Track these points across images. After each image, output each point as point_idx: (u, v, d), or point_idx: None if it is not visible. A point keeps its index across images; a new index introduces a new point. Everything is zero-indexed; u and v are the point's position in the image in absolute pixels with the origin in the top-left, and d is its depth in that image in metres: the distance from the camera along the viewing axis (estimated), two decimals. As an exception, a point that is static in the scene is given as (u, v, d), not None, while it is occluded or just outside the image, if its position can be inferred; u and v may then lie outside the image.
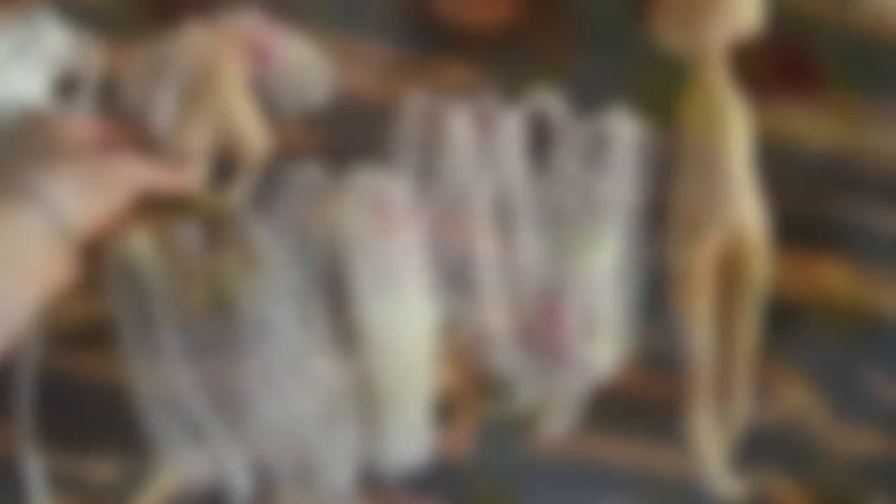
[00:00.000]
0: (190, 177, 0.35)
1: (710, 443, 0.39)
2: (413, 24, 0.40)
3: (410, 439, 0.39)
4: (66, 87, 0.38)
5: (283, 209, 0.37)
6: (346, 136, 0.37)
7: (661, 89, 0.38)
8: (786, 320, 0.39)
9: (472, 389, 0.40)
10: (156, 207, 0.36)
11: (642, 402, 0.41)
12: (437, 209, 0.37)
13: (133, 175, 0.34)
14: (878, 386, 0.39)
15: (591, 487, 0.42)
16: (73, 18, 0.38)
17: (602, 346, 0.39)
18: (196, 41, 0.37)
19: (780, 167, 0.38)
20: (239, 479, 0.39)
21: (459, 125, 0.36)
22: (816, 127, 0.38)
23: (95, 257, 0.31)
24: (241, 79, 0.36)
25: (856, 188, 0.38)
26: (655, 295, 0.39)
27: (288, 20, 0.39)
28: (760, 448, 0.40)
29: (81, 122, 0.34)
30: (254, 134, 0.36)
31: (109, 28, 0.39)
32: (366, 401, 0.38)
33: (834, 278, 0.39)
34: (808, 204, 0.39)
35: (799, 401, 0.40)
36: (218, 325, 0.37)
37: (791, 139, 0.39)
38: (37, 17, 0.37)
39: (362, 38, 0.39)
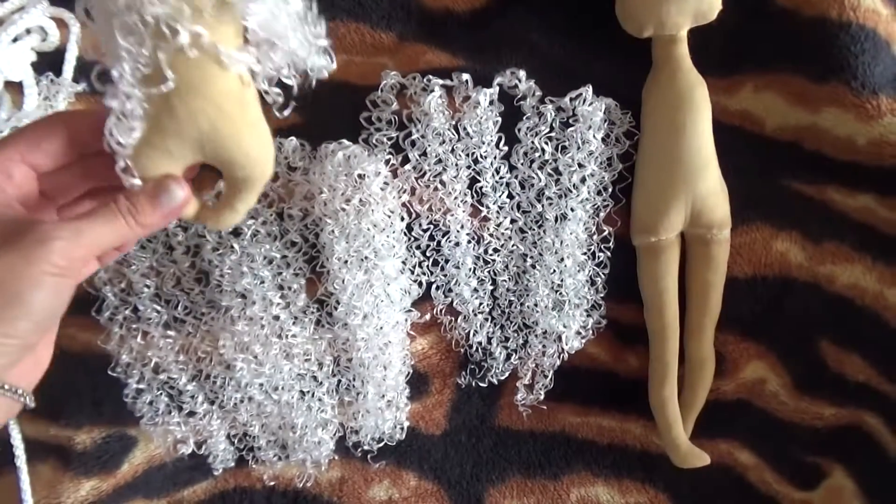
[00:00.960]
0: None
1: (674, 415, 0.40)
2: (392, 8, 0.39)
3: (386, 409, 0.40)
4: (50, 62, 0.37)
5: None
6: (326, 112, 0.37)
7: (626, 70, 0.39)
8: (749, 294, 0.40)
9: (446, 360, 0.41)
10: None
11: (609, 374, 0.43)
12: (413, 184, 0.38)
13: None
14: (833, 359, 0.40)
15: (560, 458, 0.43)
16: None
17: (571, 319, 0.40)
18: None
19: (740, 145, 0.39)
20: (220, 446, 0.39)
21: (434, 103, 0.36)
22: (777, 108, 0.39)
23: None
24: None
25: (811, 167, 0.39)
26: (622, 269, 0.40)
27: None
28: (722, 419, 0.42)
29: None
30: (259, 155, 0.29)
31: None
32: (342, 370, 0.39)
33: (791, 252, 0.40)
34: (766, 181, 0.40)
35: (760, 373, 0.41)
36: (198, 295, 0.37)
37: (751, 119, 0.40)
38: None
39: (344, 21, 0.39)
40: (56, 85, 0.36)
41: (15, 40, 0.35)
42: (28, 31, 0.36)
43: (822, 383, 0.40)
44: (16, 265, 0.25)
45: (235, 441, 0.40)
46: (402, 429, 0.41)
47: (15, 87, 0.36)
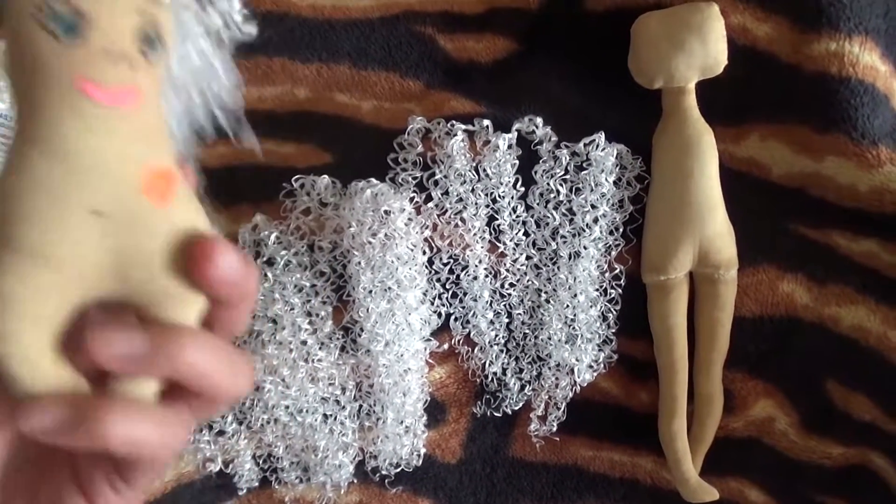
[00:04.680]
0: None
1: (684, 450, 0.41)
2: (421, 59, 0.42)
3: (404, 434, 0.42)
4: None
5: (295, 216, 0.39)
6: (356, 152, 0.40)
7: (637, 118, 0.41)
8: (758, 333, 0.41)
9: (462, 389, 0.43)
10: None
11: (621, 408, 0.44)
12: (435, 221, 0.40)
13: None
14: (839, 398, 0.41)
15: (572, 490, 0.44)
16: None
17: (583, 353, 0.42)
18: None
19: (747, 190, 0.41)
20: (246, 466, 0.41)
21: (457, 146, 0.39)
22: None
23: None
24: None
25: (816, 212, 0.40)
26: (633, 305, 0.42)
27: (312, 57, 0.42)
28: (732, 456, 0.42)
29: None
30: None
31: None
32: (364, 395, 0.41)
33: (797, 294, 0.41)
34: (773, 224, 0.41)
35: (768, 411, 0.42)
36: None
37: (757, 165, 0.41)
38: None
39: (376, 71, 0.42)
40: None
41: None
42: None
43: (829, 423, 0.41)
44: None
45: (260, 462, 0.42)
46: (418, 455, 0.42)
47: None
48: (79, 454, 0.22)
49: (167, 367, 0.20)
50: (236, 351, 0.22)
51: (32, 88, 0.19)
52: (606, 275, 0.41)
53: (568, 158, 0.40)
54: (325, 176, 0.39)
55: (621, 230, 0.41)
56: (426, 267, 0.40)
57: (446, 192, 0.40)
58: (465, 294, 0.41)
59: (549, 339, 0.42)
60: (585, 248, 0.41)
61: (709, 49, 0.38)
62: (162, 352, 0.20)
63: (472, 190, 0.40)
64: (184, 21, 0.22)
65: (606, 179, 0.40)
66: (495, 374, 0.42)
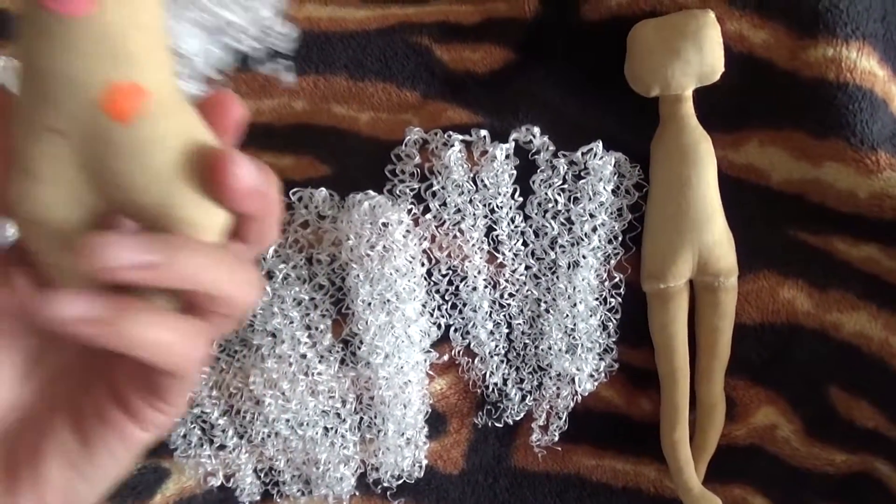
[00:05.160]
0: None
1: (686, 458, 0.41)
2: (417, 70, 0.42)
3: (405, 446, 0.41)
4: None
5: (293, 229, 0.39)
6: (353, 164, 0.40)
7: (634, 126, 0.41)
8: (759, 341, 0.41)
9: (463, 400, 0.42)
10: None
11: (623, 417, 0.44)
12: (433, 232, 0.40)
13: None
14: (842, 405, 0.40)
15: (574, 500, 0.44)
16: None
17: (584, 362, 0.42)
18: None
19: (747, 196, 0.41)
20: (247, 480, 0.41)
21: (454, 157, 0.39)
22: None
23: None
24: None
25: (816, 218, 0.40)
26: (633, 314, 0.41)
27: (308, 69, 0.42)
28: (735, 464, 0.42)
29: None
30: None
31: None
32: (365, 408, 0.41)
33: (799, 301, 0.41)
34: (773, 231, 0.41)
35: (770, 418, 0.42)
36: (232, 334, 0.40)
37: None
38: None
39: (373, 81, 0.42)
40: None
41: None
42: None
43: (832, 430, 0.41)
44: None
45: (262, 475, 0.42)
46: (420, 467, 0.42)
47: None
48: (114, 371, 0.23)
49: (176, 275, 0.20)
50: (244, 263, 0.23)
51: (22, 16, 0.19)
52: (606, 284, 0.41)
53: (566, 167, 0.40)
54: (323, 188, 0.39)
55: (620, 239, 0.41)
56: (425, 278, 0.40)
57: (444, 204, 0.40)
58: (464, 305, 0.41)
59: (550, 348, 0.41)
60: (584, 257, 0.41)
61: (705, 56, 0.38)
62: (171, 259, 0.20)
63: (470, 201, 0.40)
64: None
65: (605, 188, 0.40)
66: (496, 384, 0.42)
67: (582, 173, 0.40)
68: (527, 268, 0.41)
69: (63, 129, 0.20)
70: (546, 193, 0.40)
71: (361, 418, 0.41)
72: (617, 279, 0.41)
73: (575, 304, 0.41)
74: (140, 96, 0.20)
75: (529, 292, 0.41)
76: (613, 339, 0.42)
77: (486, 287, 0.41)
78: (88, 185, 0.20)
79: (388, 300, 0.38)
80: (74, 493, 0.23)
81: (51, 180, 0.20)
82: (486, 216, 0.40)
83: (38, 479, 0.23)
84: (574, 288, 0.41)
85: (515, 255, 0.41)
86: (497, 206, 0.40)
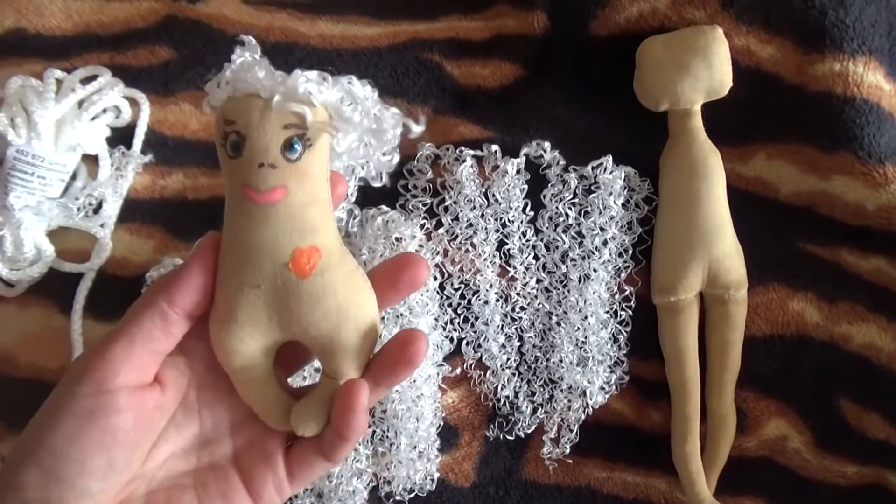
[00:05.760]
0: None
1: (697, 471, 0.41)
2: (428, 86, 0.43)
3: (417, 459, 0.42)
4: (123, 137, 0.41)
5: None
6: (367, 179, 0.40)
7: (644, 141, 0.41)
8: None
9: (475, 413, 0.42)
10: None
11: (633, 429, 0.44)
12: (445, 246, 0.40)
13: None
14: (853, 417, 0.40)
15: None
16: (128, 77, 0.41)
17: (595, 375, 0.42)
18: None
19: (755, 209, 0.41)
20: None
21: (466, 172, 0.40)
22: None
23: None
24: None
25: (824, 230, 0.41)
26: (644, 327, 0.42)
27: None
28: (746, 476, 0.42)
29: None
30: None
31: (158, 85, 0.42)
32: (377, 421, 0.41)
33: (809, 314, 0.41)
34: (781, 243, 0.41)
35: (781, 430, 0.42)
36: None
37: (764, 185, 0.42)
38: (98, 75, 0.40)
39: (384, 98, 0.43)
40: (126, 157, 0.40)
41: (93, 118, 0.39)
42: (104, 110, 0.40)
43: (843, 441, 0.41)
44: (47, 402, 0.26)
45: (274, 488, 0.42)
46: (432, 480, 0.42)
47: (91, 160, 0.41)
48: (257, 464, 0.29)
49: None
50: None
51: (228, 197, 0.26)
52: (616, 297, 0.42)
53: (576, 182, 0.41)
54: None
55: (630, 252, 0.41)
56: (438, 292, 0.40)
57: (456, 218, 0.40)
58: (476, 318, 0.41)
59: (561, 361, 0.42)
60: (595, 270, 0.41)
61: (714, 71, 0.39)
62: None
63: (482, 215, 0.40)
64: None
65: (615, 202, 0.40)
66: (507, 397, 0.42)
67: (592, 187, 0.41)
68: (538, 281, 0.41)
69: (260, 284, 0.26)
70: (557, 207, 0.41)
71: (374, 431, 0.41)
72: (627, 292, 0.42)
73: (586, 317, 0.41)
74: (317, 256, 0.26)
75: (541, 305, 0.42)
76: (624, 352, 0.42)
77: (497, 300, 0.41)
78: (274, 323, 0.26)
79: (402, 314, 0.39)
80: None
81: (248, 322, 0.26)
82: (497, 230, 0.41)
83: None
84: (585, 301, 0.41)
85: (527, 268, 0.41)
86: (508, 221, 0.40)
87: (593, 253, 0.41)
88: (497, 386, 0.42)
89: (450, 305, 0.41)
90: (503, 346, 0.42)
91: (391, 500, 0.42)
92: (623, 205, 0.41)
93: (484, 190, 0.40)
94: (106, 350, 0.25)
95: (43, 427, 0.25)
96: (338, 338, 0.27)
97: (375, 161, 0.28)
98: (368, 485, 0.42)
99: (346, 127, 0.27)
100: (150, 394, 0.27)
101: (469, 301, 0.41)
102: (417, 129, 0.28)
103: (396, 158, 0.29)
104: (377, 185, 0.30)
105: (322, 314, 0.26)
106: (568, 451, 0.43)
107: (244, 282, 0.26)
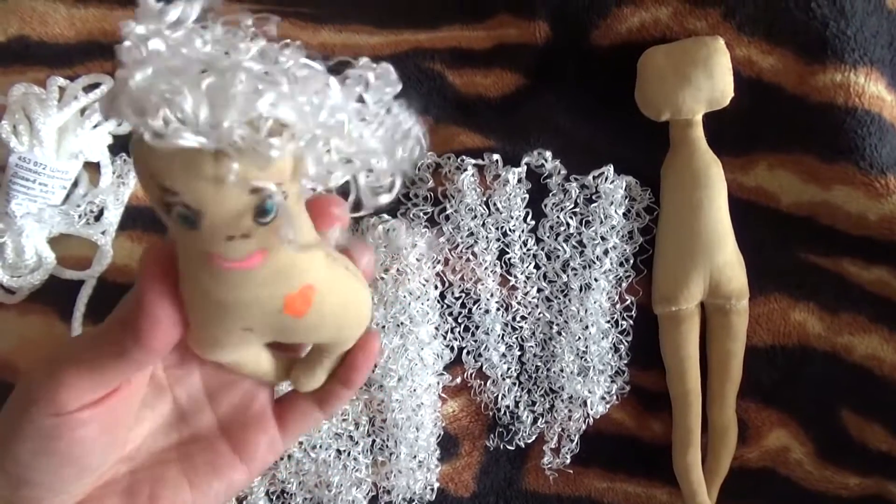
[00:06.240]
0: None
1: (699, 481, 0.41)
2: (430, 94, 0.43)
3: (417, 469, 0.41)
4: (125, 145, 0.41)
5: None
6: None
7: (645, 150, 0.41)
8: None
9: (475, 423, 0.42)
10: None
11: (634, 439, 0.43)
12: (446, 255, 0.40)
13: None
14: (855, 428, 0.40)
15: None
16: None
17: (595, 384, 0.42)
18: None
19: (757, 219, 0.41)
20: (259, 503, 0.41)
21: (467, 181, 0.40)
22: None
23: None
24: None
25: (826, 240, 0.41)
26: (645, 336, 0.42)
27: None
28: (748, 487, 0.42)
29: None
30: None
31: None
32: (377, 430, 0.41)
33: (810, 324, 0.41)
34: (783, 253, 0.41)
35: (783, 441, 0.42)
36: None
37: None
38: (101, 83, 0.40)
39: None
40: (128, 164, 0.40)
41: (95, 126, 0.40)
42: (106, 118, 0.40)
43: (845, 452, 0.41)
44: (7, 408, 0.24)
45: (273, 498, 0.42)
46: (432, 490, 0.42)
47: (93, 167, 0.41)
48: (247, 431, 0.28)
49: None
50: None
51: (180, 249, 0.22)
52: (617, 306, 0.41)
53: (577, 191, 0.41)
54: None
55: (631, 261, 0.41)
56: (438, 301, 0.40)
57: (457, 227, 0.40)
58: (477, 328, 0.41)
59: (562, 371, 0.42)
60: (596, 279, 0.41)
61: (715, 82, 0.39)
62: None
63: (483, 224, 0.40)
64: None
65: (616, 211, 0.40)
66: (508, 407, 0.42)
67: (593, 197, 0.41)
68: (539, 290, 0.41)
69: (252, 328, 0.23)
70: (558, 217, 0.41)
71: (374, 441, 0.41)
72: (628, 302, 0.41)
73: (587, 327, 0.41)
74: (311, 292, 0.23)
75: (541, 315, 0.41)
76: (625, 362, 0.42)
77: (498, 310, 0.41)
78: (268, 340, 0.25)
79: (402, 323, 0.39)
80: None
81: (238, 349, 0.25)
82: (498, 239, 0.41)
83: None
84: (586, 310, 0.41)
85: (528, 277, 0.41)
86: (509, 230, 0.40)
87: (594, 262, 0.41)
88: (497, 395, 0.42)
89: (450, 314, 0.41)
90: (504, 355, 0.42)
91: (391, 509, 0.42)
92: (624, 214, 0.41)
93: (485, 199, 0.40)
94: (63, 377, 0.23)
95: (7, 442, 0.24)
96: (336, 338, 0.26)
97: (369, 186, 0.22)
98: (368, 494, 0.42)
99: (326, 173, 0.20)
100: (114, 399, 0.24)
101: (470, 310, 0.41)
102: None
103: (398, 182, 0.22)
104: (366, 213, 0.23)
105: (323, 332, 0.25)
106: (568, 462, 0.43)
107: (232, 327, 0.23)
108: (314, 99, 0.19)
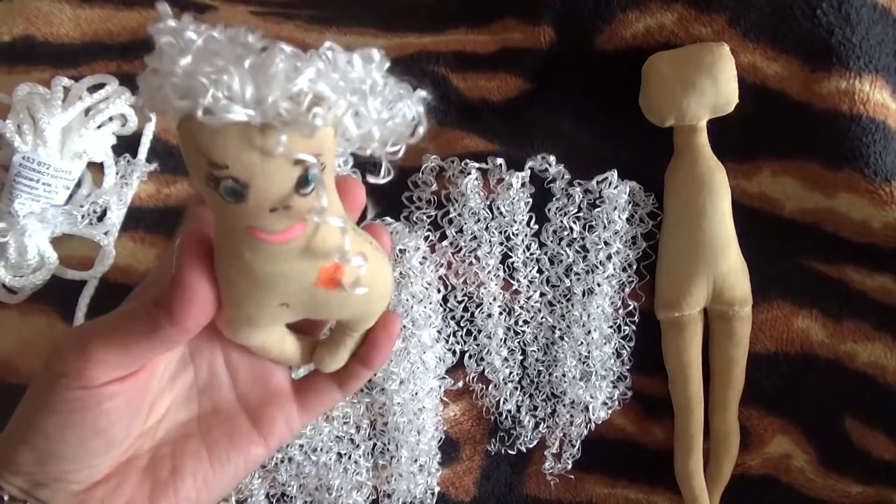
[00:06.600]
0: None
1: (700, 488, 0.41)
2: (434, 98, 0.42)
3: (418, 473, 0.41)
4: (129, 146, 0.41)
5: None
6: (371, 191, 0.40)
7: (649, 156, 0.41)
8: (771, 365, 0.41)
9: (477, 427, 0.42)
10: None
11: (636, 445, 0.43)
12: (449, 259, 0.40)
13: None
14: (858, 436, 0.40)
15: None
16: (135, 85, 0.41)
17: (597, 390, 0.42)
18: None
19: (760, 226, 0.41)
20: (259, 505, 0.41)
21: (470, 185, 0.40)
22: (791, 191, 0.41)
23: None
24: None
25: (830, 247, 0.40)
26: (647, 342, 0.41)
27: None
28: (749, 495, 0.42)
29: None
30: None
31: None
32: (378, 434, 0.41)
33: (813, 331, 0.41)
34: (786, 260, 0.41)
35: (785, 448, 0.41)
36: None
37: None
38: (105, 83, 0.41)
39: None
40: (132, 165, 0.40)
41: (99, 126, 0.40)
42: (111, 119, 0.40)
43: (848, 461, 0.40)
44: (33, 383, 0.25)
45: (274, 501, 0.41)
46: (432, 494, 0.42)
47: (96, 167, 0.41)
48: (265, 406, 0.29)
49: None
50: None
51: (220, 226, 0.23)
52: (620, 311, 0.41)
53: (581, 196, 0.41)
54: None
55: (635, 267, 0.41)
56: (441, 305, 0.40)
57: (460, 231, 0.40)
58: (479, 332, 0.41)
59: (564, 376, 0.41)
60: (599, 284, 0.41)
61: (720, 88, 0.39)
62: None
63: (486, 228, 0.40)
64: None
65: (619, 216, 0.40)
66: (509, 411, 0.42)
67: (597, 202, 0.41)
68: (542, 295, 0.41)
69: (287, 303, 0.25)
70: (561, 221, 0.41)
71: (375, 444, 0.41)
72: (631, 307, 0.41)
73: (589, 332, 0.41)
74: (343, 268, 0.24)
75: (544, 319, 0.41)
76: (627, 367, 0.42)
77: (501, 314, 0.41)
78: (297, 318, 0.26)
79: (405, 326, 0.39)
80: None
81: (270, 326, 0.27)
82: (501, 243, 0.41)
83: (177, 494, 0.27)
84: (588, 315, 0.41)
85: (531, 282, 0.41)
86: (513, 234, 0.40)
87: (597, 267, 0.41)
88: (499, 400, 0.42)
89: (453, 318, 0.41)
90: (506, 359, 0.41)
91: (391, 512, 0.42)
92: (628, 219, 0.41)
93: (488, 203, 0.40)
94: (93, 352, 0.24)
95: (33, 415, 0.25)
96: (363, 314, 0.27)
97: (381, 153, 0.24)
98: (368, 498, 0.41)
99: (358, 139, 0.22)
100: (141, 374, 0.25)
101: (472, 314, 0.41)
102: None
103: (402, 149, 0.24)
104: (383, 181, 0.25)
105: (351, 308, 0.26)
106: (570, 467, 0.42)
107: (267, 303, 0.25)
108: (345, 74, 0.20)
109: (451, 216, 0.40)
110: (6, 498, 0.25)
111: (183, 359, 0.28)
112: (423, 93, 0.23)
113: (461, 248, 0.40)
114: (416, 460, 0.41)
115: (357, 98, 0.21)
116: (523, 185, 0.40)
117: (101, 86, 0.40)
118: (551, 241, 0.41)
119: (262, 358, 0.29)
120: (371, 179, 0.24)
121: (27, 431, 0.25)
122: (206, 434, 0.28)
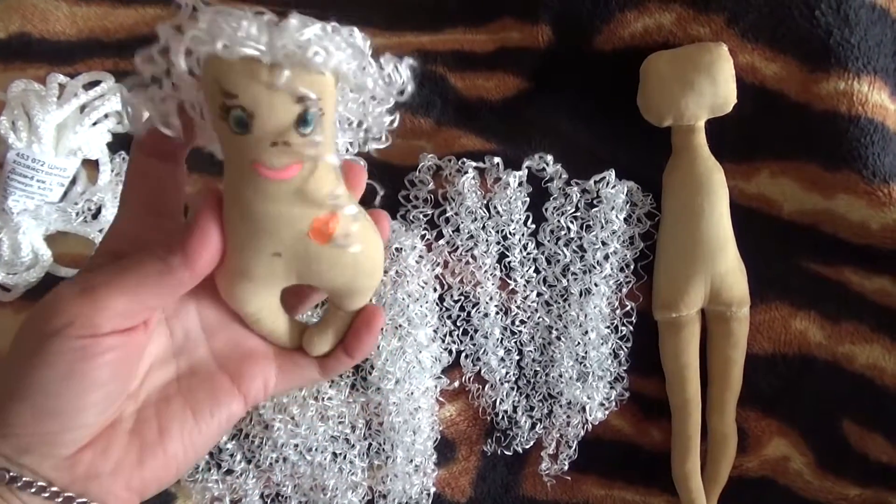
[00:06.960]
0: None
1: (698, 490, 0.41)
2: (431, 96, 0.43)
3: (414, 473, 0.41)
4: (124, 143, 0.41)
5: None
6: (367, 190, 0.40)
7: (647, 155, 0.41)
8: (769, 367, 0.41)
9: (473, 427, 0.42)
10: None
11: (633, 446, 0.43)
12: (446, 258, 0.40)
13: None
14: (855, 438, 0.40)
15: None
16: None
17: (594, 390, 0.42)
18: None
19: (758, 227, 0.41)
20: (254, 505, 0.41)
21: (467, 184, 0.39)
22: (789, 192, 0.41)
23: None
24: None
25: (828, 249, 0.40)
26: (644, 343, 0.41)
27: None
28: (747, 497, 0.42)
29: None
30: None
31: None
32: (374, 434, 0.41)
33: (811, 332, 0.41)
34: (784, 261, 0.41)
35: (783, 450, 0.41)
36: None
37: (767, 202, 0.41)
38: (101, 80, 0.41)
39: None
40: (127, 163, 0.40)
41: (95, 123, 0.39)
42: (106, 116, 0.40)
43: (845, 463, 0.40)
44: (25, 338, 0.25)
45: (269, 501, 0.41)
46: (428, 494, 0.42)
47: (91, 165, 0.41)
48: (243, 364, 0.30)
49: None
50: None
51: (228, 165, 0.25)
52: (617, 312, 0.41)
53: (578, 195, 0.40)
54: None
55: (632, 267, 0.41)
56: (437, 304, 0.40)
57: (457, 230, 0.40)
58: (475, 331, 0.41)
59: (560, 376, 0.41)
60: (596, 284, 0.41)
61: (718, 88, 0.39)
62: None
63: (483, 227, 0.40)
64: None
65: (617, 216, 0.40)
66: (506, 411, 0.42)
67: (594, 201, 0.41)
68: (538, 294, 0.41)
69: (281, 252, 0.26)
70: (559, 221, 0.40)
71: (370, 444, 0.41)
72: (628, 307, 0.41)
73: (586, 332, 0.41)
74: (335, 221, 0.26)
75: (541, 319, 0.41)
76: (624, 368, 0.42)
77: (497, 313, 0.41)
78: (292, 278, 0.27)
79: (400, 325, 0.38)
80: (186, 462, 0.28)
81: (264, 281, 0.27)
82: (498, 242, 0.40)
83: (165, 453, 0.27)
84: (586, 315, 0.41)
85: (527, 281, 0.41)
86: (510, 233, 0.40)
87: (594, 267, 0.41)
88: (495, 400, 0.42)
89: (449, 317, 0.41)
90: (502, 359, 0.41)
91: (387, 513, 0.42)
92: (625, 219, 0.41)
93: (485, 202, 0.40)
94: (102, 299, 0.24)
95: (30, 370, 0.24)
96: (352, 284, 0.28)
97: (376, 120, 0.27)
98: (364, 498, 0.41)
99: (357, 92, 0.26)
100: (139, 329, 0.26)
101: (469, 313, 0.41)
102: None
103: (397, 116, 0.28)
104: (381, 146, 0.28)
105: (340, 270, 0.27)
106: (566, 468, 0.42)
107: (262, 250, 0.26)
108: (346, 37, 0.24)
109: (447, 215, 0.40)
110: None
111: (159, 322, 0.29)
112: (411, 60, 0.26)
113: (458, 248, 0.40)
114: (411, 460, 0.41)
115: (353, 52, 0.24)
116: (520, 184, 0.40)
117: (96, 83, 0.40)
118: (548, 241, 0.41)
119: (253, 331, 0.30)
120: (373, 145, 0.27)
121: (23, 388, 0.24)
122: (188, 393, 0.29)
